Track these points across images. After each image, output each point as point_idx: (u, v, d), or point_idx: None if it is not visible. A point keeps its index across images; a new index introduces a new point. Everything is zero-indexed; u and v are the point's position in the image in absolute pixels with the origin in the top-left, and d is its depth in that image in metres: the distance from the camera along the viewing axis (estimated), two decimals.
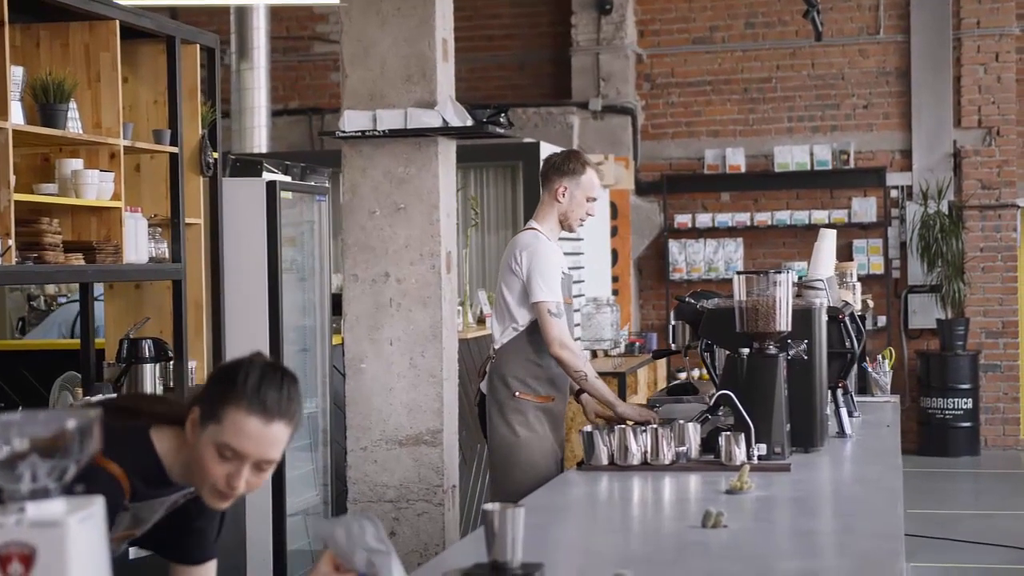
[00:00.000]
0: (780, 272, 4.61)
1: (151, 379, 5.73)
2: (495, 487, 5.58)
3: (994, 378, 13.14)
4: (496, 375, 5.51)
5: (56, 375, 6.21)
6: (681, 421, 4.56)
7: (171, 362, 5.93)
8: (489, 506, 2.81)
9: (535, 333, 5.41)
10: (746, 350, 4.58)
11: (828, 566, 3.14)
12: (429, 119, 5.97)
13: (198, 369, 6.21)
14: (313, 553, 7.22)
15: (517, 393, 5.45)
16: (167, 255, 5.94)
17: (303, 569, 7.11)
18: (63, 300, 9.23)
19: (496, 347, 5.53)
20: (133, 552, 4.77)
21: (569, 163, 5.56)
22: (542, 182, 5.65)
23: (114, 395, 5.33)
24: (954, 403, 12.76)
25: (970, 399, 12.79)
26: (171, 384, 5.95)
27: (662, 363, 11.81)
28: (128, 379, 5.68)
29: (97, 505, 1.85)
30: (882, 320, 13.10)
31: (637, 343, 11.32)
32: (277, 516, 6.66)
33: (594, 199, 5.61)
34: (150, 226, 5.84)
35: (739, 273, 4.64)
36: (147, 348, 5.72)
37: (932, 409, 12.80)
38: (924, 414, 12.90)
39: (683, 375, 12.75)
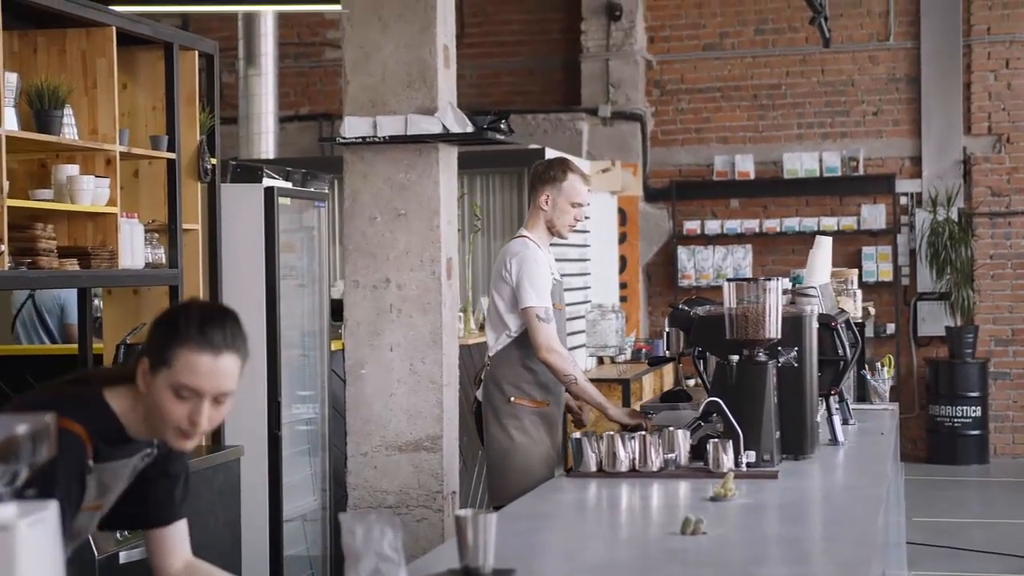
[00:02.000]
0: (770, 279, 4.61)
1: None
2: (492, 492, 5.63)
3: (1003, 386, 13.10)
4: (491, 381, 5.60)
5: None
6: (671, 428, 4.57)
7: None
8: (461, 512, 2.83)
9: (528, 339, 5.46)
10: (736, 357, 4.58)
11: (801, 573, 3.14)
12: (429, 125, 5.98)
13: None
14: (311, 559, 7.23)
15: (512, 399, 5.52)
16: (164, 260, 5.97)
17: (301, 575, 7.12)
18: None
19: (490, 354, 5.62)
20: (125, 556, 4.80)
21: (551, 171, 5.66)
22: (529, 191, 5.77)
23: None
24: (963, 411, 12.73)
25: (979, 407, 12.75)
26: None
27: (668, 369, 11.80)
28: None
29: (49, 510, 1.86)
30: (891, 327, 13.07)
31: (644, 350, 11.31)
32: (274, 521, 6.68)
33: (579, 204, 5.66)
34: (147, 232, 5.87)
35: (729, 280, 4.66)
36: None
37: (941, 417, 12.77)
38: (933, 422, 12.87)
39: (691, 382, 12.75)
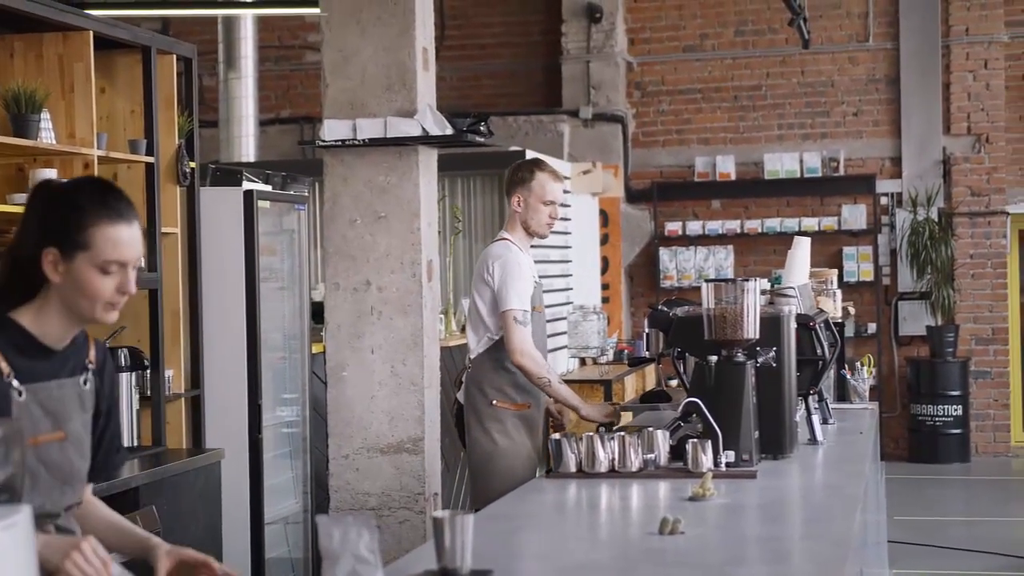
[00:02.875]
0: (748, 280, 4.62)
1: (127, 388, 5.74)
2: (474, 495, 5.63)
3: (984, 385, 13.15)
4: (473, 384, 5.63)
5: None
6: (650, 428, 4.57)
7: (147, 371, 5.95)
8: (438, 514, 2.84)
9: None
10: (714, 358, 4.59)
11: (778, 572, 3.15)
12: (408, 128, 5.99)
13: (175, 378, 6.23)
14: (293, 561, 7.23)
15: (494, 402, 5.56)
16: (143, 264, 5.96)
17: None
18: None
19: (471, 356, 5.65)
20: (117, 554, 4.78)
21: (519, 172, 5.75)
22: (506, 195, 5.84)
23: None
24: (944, 410, 12.77)
25: (960, 406, 12.80)
26: (148, 393, 5.97)
27: (651, 370, 11.82)
28: None
29: (23, 513, 1.86)
30: (872, 327, 13.11)
31: (626, 351, 11.31)
32: (255, 524, 6.67)
33: (551, 202, 5.71)
34: None
35: (708, 281, 4.66)
36: (123, 357, 5.72)
37: (922, 416, 12.81)
38: (914, 421, 12.91)
39: (674, 383, 12.77)
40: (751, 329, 4.57)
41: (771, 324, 4.73)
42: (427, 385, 6.10)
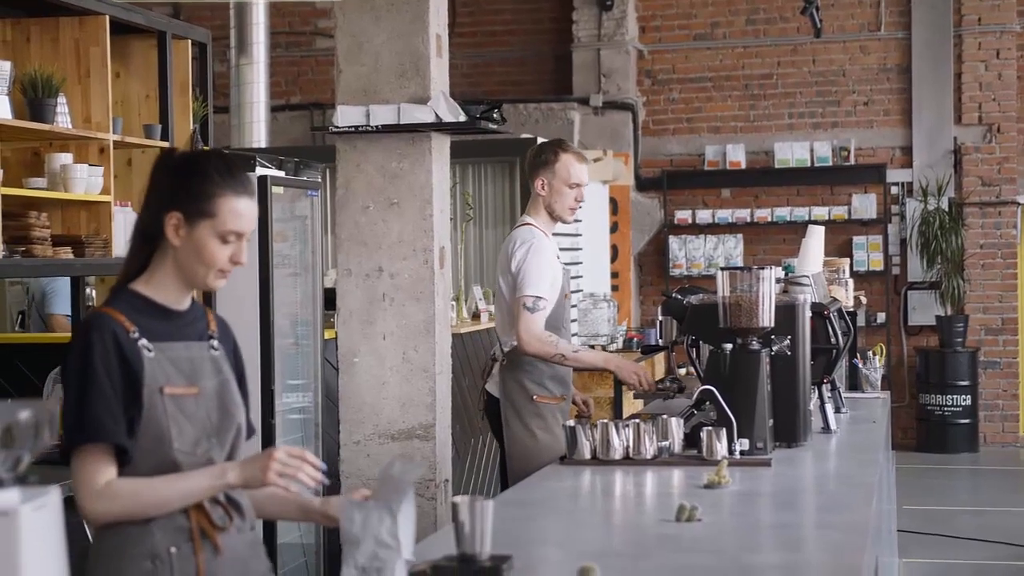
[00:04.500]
0: (764, 268, 4.62)
1: None
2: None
3: (993, 375, 13.15)
4: (511, 378, 5.48)
5: (51, 368, 6.22)
6: (664, 416, 4.58)
7: None
8: (458, 499, 2.84)
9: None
10: (729, 346, 4.59)
11: (797, 559, 3.16)
12: (422, 115, 5.98)
13: None
14: (304, 547, 7.24)
15: (535, 396, 5.43)
16: None
17: (295, 563, 7.13)
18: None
19: (505, 349, 5.48)
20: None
21: (542, 154, 5.60)
22: (527, 179, 5.70)
23: None
24: (953, 400, 12.77)
25: (969, 396, 12.79)
26: None
27: (660, 358, 11.83)
28: None
29: (53, 495, 1.87)
30: (881, 317, 13.10)
31: (636, 339, 11.32)
32: None
33: (577, 185, 5.57)
34: None
35: (723, 269, 4.65)
36: None
37: (931, 406, 12.81)
38: (923, 411, 12.91)
39: (683, 371, 12.78)
40: (766, 317, 4.57)
41: (786, 312, 4.73)
42: (439, 372, 6.10)
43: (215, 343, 3.08)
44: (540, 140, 10.54)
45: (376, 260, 6.03)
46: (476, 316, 8.34)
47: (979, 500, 11.03)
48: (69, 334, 6.19)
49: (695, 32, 13.70)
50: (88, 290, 6.49)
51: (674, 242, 13.49)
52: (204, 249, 2.93)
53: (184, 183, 2.94)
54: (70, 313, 6.79)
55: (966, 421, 12.81)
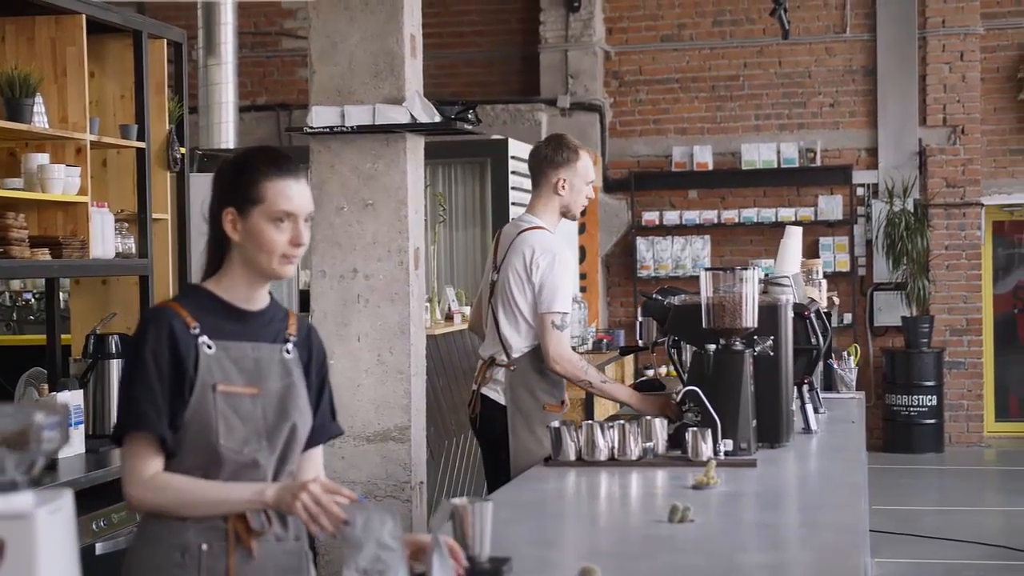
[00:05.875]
0: (747, 269, 4.62)
1: (117, 375, 5.71)
2: None
3: (958, 375, 13.23)
4: (520, 386, 5.25)
5: (23, 371, 6.17)
6: (648, 417, 4.58)
7: None
8: (458, 500, 2.83)
9: None
10: (713, 346, 4.59)
11: (793, 559, 3.16)
12: (397, 115, 5.97)
13: None
14: None
15: (545, 406, 5.25)
16: (134, 250, 5.92)
17: None
18: (28, 296, 9.19)
19: (515, 355, 5.25)
20: (100, 547, 4.76)
21: (562, 152, 5.32)
22: (535, 176, 5.43)
23: None
24: (919, 400, 12.85)
25: (934, 396, 12.88)
26: None
27: (629, 360, 11.85)
28: (95, 375, 5.65)
29: (66, 498, 1.85)
30: (848, 317, 13.17)
31: (605, 340, 11.34)
32: None
33: (592, 181, 5.41)
34: (117, 221, 5.82)
35: (706, 269, 4.66)
36: (114, 344, 5.69)
37: (897, 406, 12.88)
38: (889, 411, 12.98)
39: (650, 372, 12.80)
40: (750, 318, 4.58)
41: (769, 313, 4.74)
42: (414, 373, 6.09)
43: (289, 347, 3.11)
44: (512, 143, 10.55)
45: (351, 261, 6.02)
46: (449, 317, 8.32)
47: (946, 500, 11.10)
48: (44, 337, 6.14)
49: (662, 33, 13.73)
50: (63, 295, 6.44)
51: (641, 243, 13.51)
52: (261, 236, 2.99)
53: (233, 180, 3.03)
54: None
55: (932, 421, 12.90)
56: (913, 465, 12.42)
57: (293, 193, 3.00)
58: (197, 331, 2.98)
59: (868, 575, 3.17)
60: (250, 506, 2.95)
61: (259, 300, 3.10)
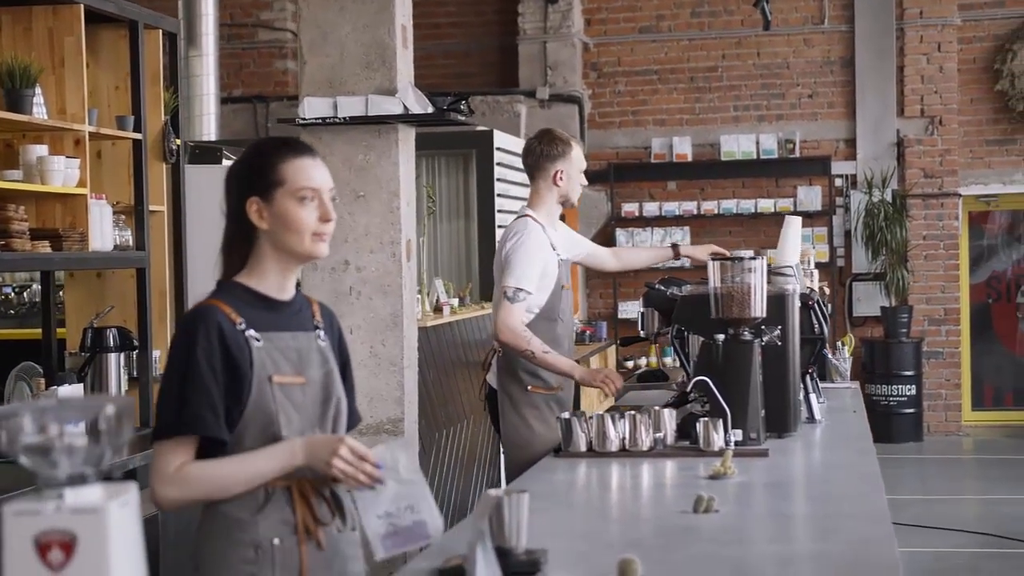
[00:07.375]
0: (755, 258, 4.61)
1: (115, 368, 5.66)
2: (511, 480, 5.45)
3: (937, 365, 13.29)
4: (505, 369, 5.44)
5: (12, 365, 6.11)
6: (657, 407, 4.56)
7: (135, 351, 5.86)
8: (494, 492, 2.80)
9: (541, 323, 5.36)
10: (721, 336, 4.58)
11: (826, 549, 3.15)
12: (390, 106, 5.95)
13: (163, 358, 6.14)
14: None
15: (529, 387, 5.40)
16: (131, 243, 5.87)
17: None
18: (8, 290, 9.10)
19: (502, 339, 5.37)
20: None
21: (556, 146, 5.54)
22: (531, 171, 5.59)
23: None
24: (898, 390, 12.90)
25: (913, 386, 12.93)
26: (135, 374, 5.88)
27: (611, 351, 11.85)
28: (92, 368, 5.60)
29: (132, 492, 1.83)
30: (828, 308, 13.18)
31: (588, 332, 11.34)
32: None
33: (584, 168, 5.67)
34: (114, 213, 5.77)
35: (714, 259, 4.65)
36: (111, 337, 5.64)
37: (876, 396, 12.93)
38: (868, 401, 12.97)
39: (630, 363, 12.81)
40: (758, 308, 4.57)
41: (776, 302, 4.74)
42: (406, 365, 6.07)
43: (321, 334, 3.10)
44: (497, 134, 10.53)
45: (342, 253, 6.00)
46: (438, 310, 8.30)
47: (926, 489, 11.15)
48: (39, 331, 6.09)
49: (640, 25, 13.72)
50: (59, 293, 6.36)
51: (621, 235, 13.51)
52: (288, 216, 2.97)
53: (251, 170, 3.03)
54: None
55: (911, 411, 12.95)
56: (893, 455, 12.45)
57: (311, 169, 3.01)
58: (243, 326, 2.96)
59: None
60: (283, 472, 2.93)
61: (289, 289, 3.09)
